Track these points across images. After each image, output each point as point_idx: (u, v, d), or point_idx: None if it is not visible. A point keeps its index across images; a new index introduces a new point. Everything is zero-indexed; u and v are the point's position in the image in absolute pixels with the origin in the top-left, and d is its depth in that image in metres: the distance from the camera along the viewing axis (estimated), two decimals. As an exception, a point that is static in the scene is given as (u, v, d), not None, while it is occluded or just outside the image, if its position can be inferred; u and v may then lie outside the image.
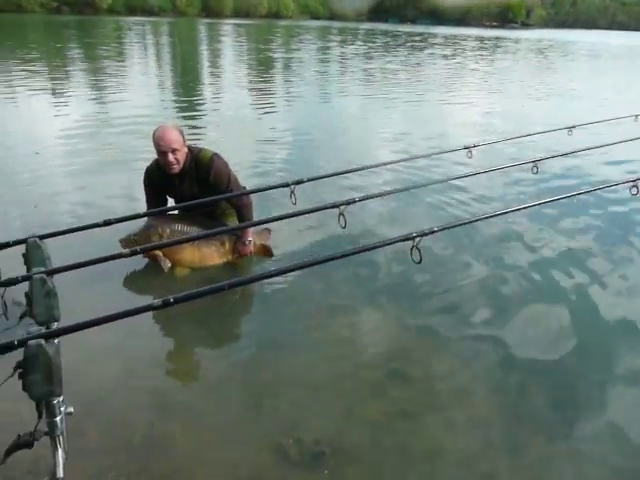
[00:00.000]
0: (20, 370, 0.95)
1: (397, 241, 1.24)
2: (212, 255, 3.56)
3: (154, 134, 3.25)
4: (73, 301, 2.69)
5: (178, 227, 3.45)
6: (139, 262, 3.51)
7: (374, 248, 1.23)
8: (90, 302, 2.98)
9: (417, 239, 1.23)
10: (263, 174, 5.56)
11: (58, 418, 1.17)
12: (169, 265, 3.44)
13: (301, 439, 2.21)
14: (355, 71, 16.58)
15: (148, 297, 3.31)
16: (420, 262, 1.25)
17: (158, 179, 3.43)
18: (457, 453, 2.19)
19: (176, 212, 3.69)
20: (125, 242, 3.39)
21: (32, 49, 18.59)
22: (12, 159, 5.82)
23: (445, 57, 22.73)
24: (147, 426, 2.23)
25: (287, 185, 1.65)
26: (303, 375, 2.60)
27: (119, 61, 15.69)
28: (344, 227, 1.41)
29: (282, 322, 3.02)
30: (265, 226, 3.85)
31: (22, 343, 0.92)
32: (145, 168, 3.51)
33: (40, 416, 1.15)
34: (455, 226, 1.37)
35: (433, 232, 1.26)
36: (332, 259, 1.22)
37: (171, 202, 3.65)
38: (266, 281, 3.37)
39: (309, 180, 1.77)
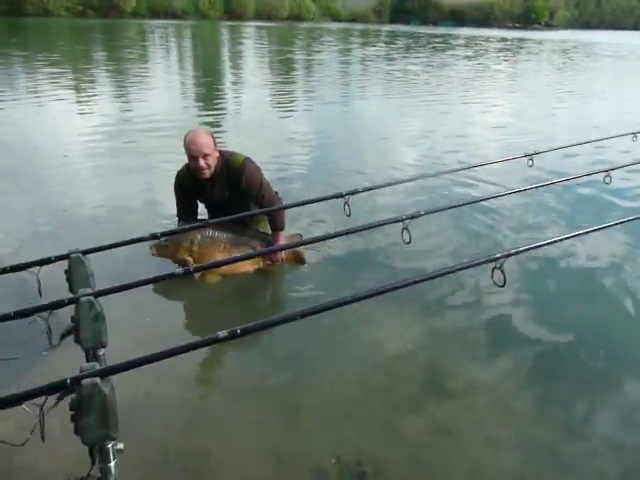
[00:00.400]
0: (72, 412, 0.85)
1: (481, 263, 1.12)
2: (243, 262, 3.47)
3: (185, 138, 3.18)
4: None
5: (209, 233, 3.38)
6: (167, 266, 3.44)
7: (458, 270, 1.12)
8: (126, 315, 2.91)
9: (501, 260, 1.10)
10: (282, 170, 5.50)
11: (112, 463, 1.06)
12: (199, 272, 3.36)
13: (341, 458, 2.10)
14: (379, 72, 16.43)
15: (180, 304, 3.24)
16: (504, 285, 1.12)
17: (189, 184, 3.36)
18: (501, 472, 2.08)
19: (207, 218, 3.63)
20: (156, 248, 3.33)
21: (58, 51, 18.82)
22: (40, 160, 5.82)
23: (468, 58, 22.42)
24: (181, 442, 2.14)
25: (341, 196, 1.53)
26: (340, 391, 2.49)
27: (142, 63, 15.73)
28: (409, 242, 1.29)
29: (318, 336, 2.92)
30: (296, 232, 3.76)
31: (75, 382, 0.82)
32: (176, 173, 3.44)
33: (93, 462, 1.04)
34: (541, 245, 1.25)
35: (519, 252, 1.14)
36: (408, 285, 1.10)
37: (201, 207, 3.59)
38: (300, 293, 3.29)
39: (364, 190, 1.65)
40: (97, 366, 0.87)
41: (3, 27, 26.21)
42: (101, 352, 1.07)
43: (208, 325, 3.05)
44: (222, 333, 0.96)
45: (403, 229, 1.24)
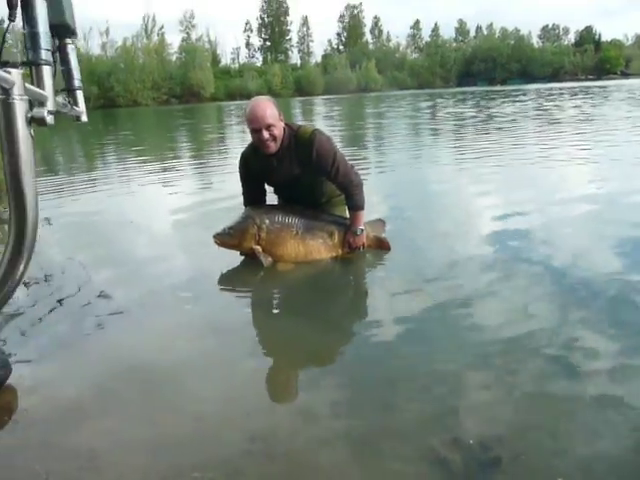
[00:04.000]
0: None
1: None
2: (319, 249, 3.03)
3: (246, 110, 2.84)
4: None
5: (279, 218, 2.98)
6: (233, 257, 3.06)
7: None
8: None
9: None
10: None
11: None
12: (270, 260, 2.95)
13: (462, 443, 1.53)
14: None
15: (247, 293, 2.80)
16: None
17: (255, 163, 3.00)
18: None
19: (275, 202, 3.27)
20: (220, 238, 2.97)
21: (144, 132, 20.04)
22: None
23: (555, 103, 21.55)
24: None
25: None
26: (450, 363, 1.93)
27: (220, 142, 15.04)
28: None
29: (416, 302, 2.39)
30: (378, 216, 3.31)
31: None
32: (240, 154, 3.11)
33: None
34: None
35: None
36: None
37: (271, 195, 3.22)
38: (383, 286, 2.77)
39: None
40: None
41: (99, 117, 28.80)
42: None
43: (276, 317, 2.58)
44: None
45: None
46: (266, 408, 1.76)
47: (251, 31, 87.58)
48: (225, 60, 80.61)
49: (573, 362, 1.93)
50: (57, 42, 1.07)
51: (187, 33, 72.17)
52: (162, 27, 68.18)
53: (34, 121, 1.00)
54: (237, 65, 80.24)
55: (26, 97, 0.99)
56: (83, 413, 1.70)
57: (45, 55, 1.01)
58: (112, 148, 11.68)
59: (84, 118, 1.14)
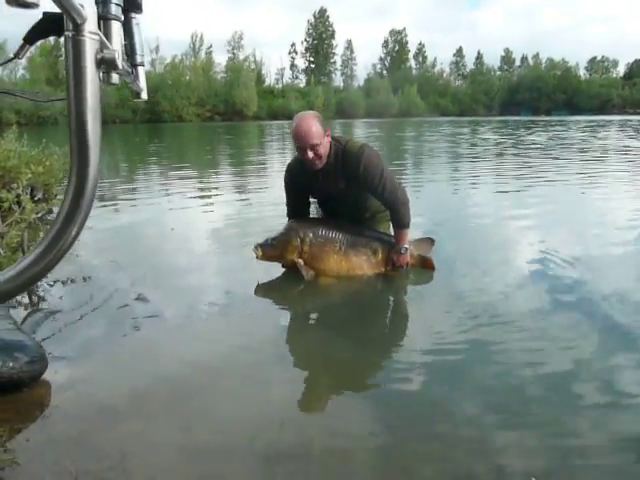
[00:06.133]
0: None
1: None
2: (361, 265, 2.96)
3: (291, 126, 2.80)
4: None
5: (322, 232, 2.93)
6: (274, 268, 3.02)
7: None
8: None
9: None
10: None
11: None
12: (312, 274, 2.89)
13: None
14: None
15: (285, 305, 2.73)
16: None
17: (300, 176, 2.96)
18: None
19: (318, 216, 3.23)
20: (262, 249, 2.92)
21: (187, 145, 20.45)
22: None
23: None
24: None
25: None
26: (483, 394, 1.81)
27: (261, 155, 15.18)
28: None
29: (454, 329, 2.28)
30: (423, 236, 3.22)
31: None
32: (286, 165, 3.08)
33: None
34: None
35: None
36: None
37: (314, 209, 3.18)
38: (423, 307, 2.67)
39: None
40: None
41: (145, 131, 29.75)
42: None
43: (312, 332, 2.50)
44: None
45: None
46: (298, 423, 1.68)
47: (296, 53, 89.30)
48: (269, 80, 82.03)
49: (613, 402, 1.78)
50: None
51: (234, 53, 73.96)
52: (210, 46, 70.29)
53: (104, 63, 0.93)
54: (281, 85, 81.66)
55: (97, 38, 0.93)
56: (115, 413, 1.66)
57: (115, 10, 0.95)
58: (155, 159, 11.91)
59: (144, 96, 1.07)
